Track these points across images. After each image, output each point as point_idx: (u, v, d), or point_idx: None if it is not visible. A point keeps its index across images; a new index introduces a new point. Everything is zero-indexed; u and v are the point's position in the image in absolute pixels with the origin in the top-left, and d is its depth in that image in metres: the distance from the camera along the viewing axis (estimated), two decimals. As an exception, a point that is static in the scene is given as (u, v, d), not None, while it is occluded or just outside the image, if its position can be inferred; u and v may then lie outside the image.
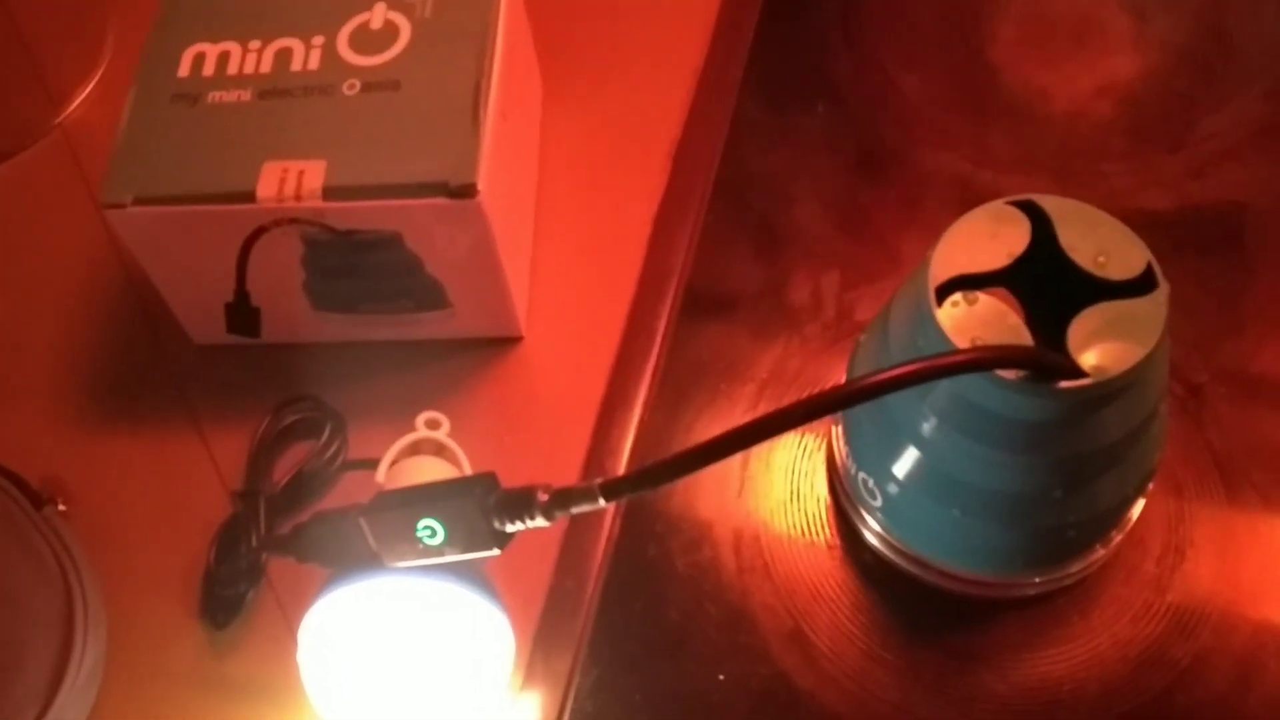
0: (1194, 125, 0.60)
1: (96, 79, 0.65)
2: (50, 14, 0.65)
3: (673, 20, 0.64)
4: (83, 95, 0.65)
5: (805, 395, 0.52)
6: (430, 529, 0.40)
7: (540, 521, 0.39)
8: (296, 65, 0.51)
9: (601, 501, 0.38)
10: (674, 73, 0.62)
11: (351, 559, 0.43)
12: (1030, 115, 0.61)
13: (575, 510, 0.39)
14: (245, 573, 0.50)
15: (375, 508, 0.41)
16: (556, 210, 0.59)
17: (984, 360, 0.38)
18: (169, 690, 0.49)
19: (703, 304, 0.57)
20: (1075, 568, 0.47)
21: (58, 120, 0.64)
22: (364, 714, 0.44)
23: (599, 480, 0.38)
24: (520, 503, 0.39)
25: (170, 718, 0.49)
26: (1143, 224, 0.41)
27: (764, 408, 0.53)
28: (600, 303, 0.57)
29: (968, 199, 0.58)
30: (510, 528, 0.40)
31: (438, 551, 0.41)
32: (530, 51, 0.59)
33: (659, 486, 0.39)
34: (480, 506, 0.40)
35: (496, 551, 0.40)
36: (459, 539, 0.40)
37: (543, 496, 0.39)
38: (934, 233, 0.42)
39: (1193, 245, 0.56)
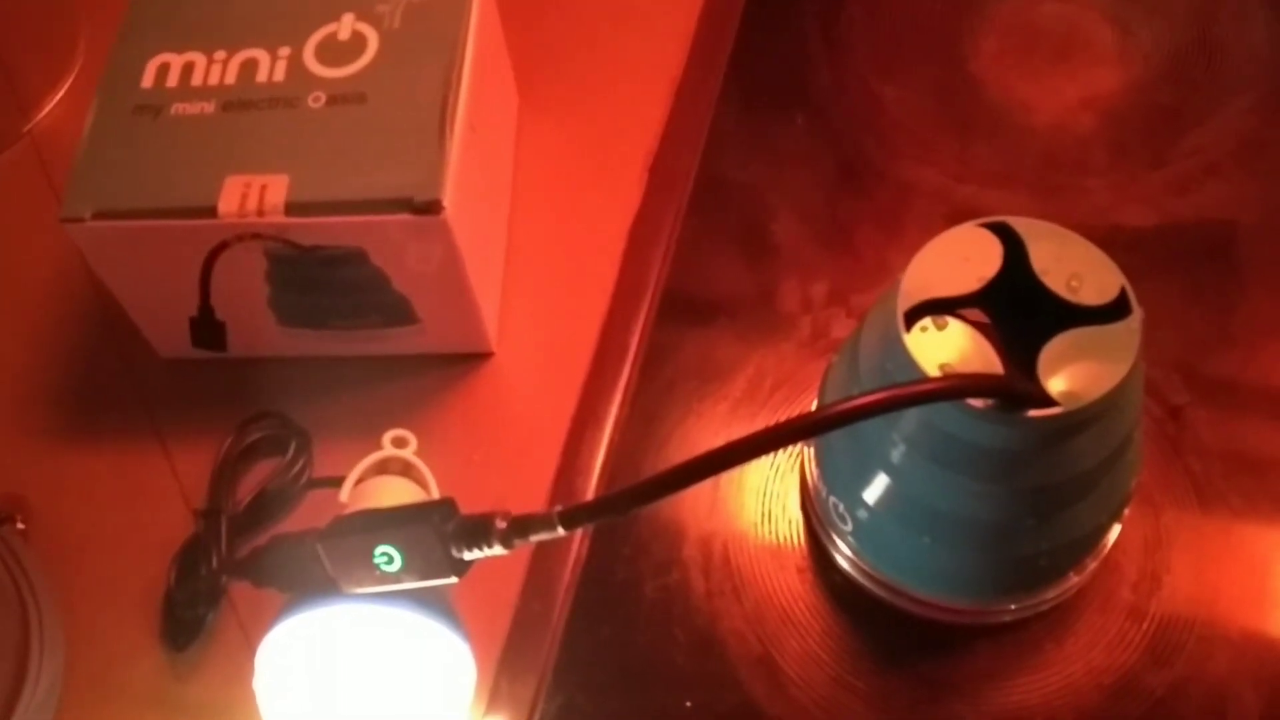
0: (1177, 140, 0.59)
1: (66, 87, 0.64)
2: (20, 20, 0.64)
3: (651, 31, 0.63)
4: (52, 103, 0.64)
5: (775, 419, 0.52)
6: (387, 556, 0.40)
7: (498, 550, 0.38)
8: (262, 77, 0.50)
9: (560, 530, 0.37)
10: (652, 84, 0.62)
11: (309, 585, 0.42)
12: (1012, 129, 0.60)
13: (534, 539, 0.38)
14: (205, 594, 0.49)
15: (332, 533, 0.41)
16: (530, 223, 0.58)
17: (953, 389, 0.37)
18: (127, 713, 0.48)
19: (678, 319, 0.56)
20: (1049, 595, 0.46)
21: (26, 128, 0.63)
22: (322, 741, 0.44)
23: (558, 508, 0.38)
24: (478, 530, 0.39)
25: (127, 742, 0.48)
26: (1123, 241, 0.41)
27: (737, 426, 0.53)
28: (573, 318, 0.56)
29: (948, 212, 0.57)
30: (468, 555, 0.39)
31: (395, 579, 0.40)
32: (505, 63, 0.58)
33: (620, 515, 0.38)
34: (437, 534, 0.39)
35: (454, 579, 0.40)
36: (416, 566, 0.40)
37: (501, 524, 0.38)
38: (914, 247, 0.41)
39: (1174, 263, 0.55)
